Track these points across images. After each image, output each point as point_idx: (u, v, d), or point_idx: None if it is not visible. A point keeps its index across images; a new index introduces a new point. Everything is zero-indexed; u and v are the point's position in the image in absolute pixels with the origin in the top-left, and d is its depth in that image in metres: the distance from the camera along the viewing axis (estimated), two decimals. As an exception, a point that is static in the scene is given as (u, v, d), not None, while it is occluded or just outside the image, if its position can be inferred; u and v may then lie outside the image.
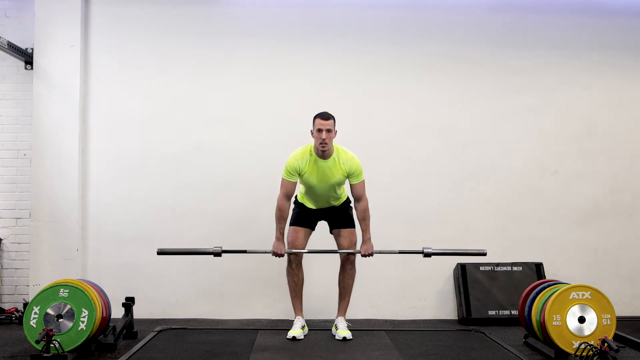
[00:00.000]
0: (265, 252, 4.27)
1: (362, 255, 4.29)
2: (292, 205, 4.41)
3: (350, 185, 4.29)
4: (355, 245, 4.34)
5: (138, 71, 5.18)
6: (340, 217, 4.36)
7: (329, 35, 5.25)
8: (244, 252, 4.38)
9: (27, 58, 5.07)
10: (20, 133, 5.18)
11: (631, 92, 5.41)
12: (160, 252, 4.36)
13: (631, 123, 5.40)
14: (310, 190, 4.30)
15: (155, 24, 5.20)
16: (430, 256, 4.30)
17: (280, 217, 4.25)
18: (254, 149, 5.06)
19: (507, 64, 5.33)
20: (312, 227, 4.39)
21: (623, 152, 5.37)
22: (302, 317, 4.36)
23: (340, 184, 4.30)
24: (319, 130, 4.07)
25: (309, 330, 4.41)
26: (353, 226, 4.37)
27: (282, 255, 4.25)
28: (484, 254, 4.36)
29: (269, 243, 5.01)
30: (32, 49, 5.05)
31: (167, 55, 5.20)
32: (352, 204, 4.41)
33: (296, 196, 4.42)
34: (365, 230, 4.29)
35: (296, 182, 4.25)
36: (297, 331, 4.22)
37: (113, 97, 5.17)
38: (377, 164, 4.96)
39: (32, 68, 5.06)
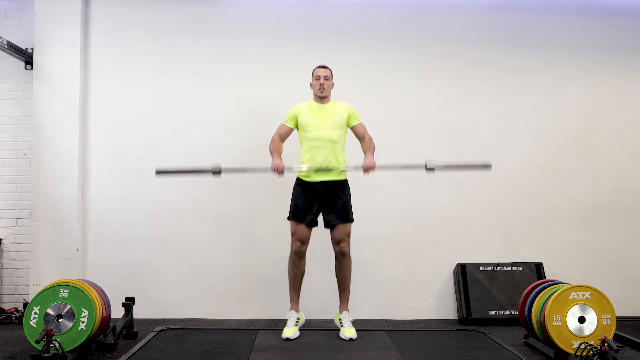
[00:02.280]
0: (265, 171, 4.27)
1: (364, 170, 4.25)
2: (292, 195, 4.40)
3: (353, 128, 4.40)
4: (349, 235, 4.32)
5: (138, 71, 5.18)
6: (338, 209, 4.31)
7: (329, 35, 5.25)
8: (244, 170, 4.36)
9: (27, 58, 5.08)
10: (20, 133, 5.18)
11: (631, 92, 5.41)
12: (159, 172, 4.35)
13: (631, 123, 5.40)
14: (311, 139, 4.29)
15: (155, 24, 5.20)
16: (433, 170, 4.23)
17: (273, 148, 4.35)
18: (254, 148, 5.05)
19: (507, 64, 5.33)
20: (312, 223, 4.36)
21: (623, 152, 5.38)
22: (297, 311, 4.37)
23: (340, 124, 4.33)
24: (318, 78, 4.37)
25: (309, 330, 4.42)
26: (350, 220, 4.35)
27: (283, 172, 4.22)
28: (489, 167, 4.42)
29: (269, 243, 5.05)
30: (32, 49, 5.05)
31: (167, 55, 5.20)
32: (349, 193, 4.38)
33: (297, 179, 4.38)
34: (368, 150, 4.34)
35: (290, 130, 4.38)
36: (290, 330, 4.24)
37: (113, 97, 5.17)
38: (376, 164, 4.95)
39: (32, 68, 5.07)
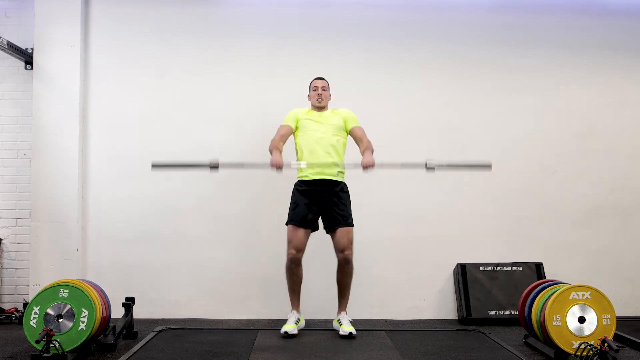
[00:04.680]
0: (264, 167, 4.27)
1: (363, 167, 4.22)
2: (290, 200, 4.39)
3: (351, 131, 4.39)
4: (352, 243, 4.30)
5: (138, 71, 5.18)
6: (338, 212, 4.31)
7: (329, 35, 5.25)
8: (241, 166, 4.35)
9: (27, 58, 5.08)
10: (20, 133, 5.18)
11: (631, 92, 5.41)
12: (155, 166, 4.31)
13: (631, 123, 5.40)
14: (309, 143, 4.29)
15: (155, 24, 5.20)
16: (433, 169, 4.18)
17: (273, 147, 4.30)
18: (254, 148, 5.05)
19: (507, 64, 5.33)
20: (311, 227, 4.35)
21: (623, 152, 5.38)
22: (298, 312, 4.38)
23: (339, 128, 4.34)
24: (315, 89, 4.44)
25: (309, 330, 4.42)
26: (351, 224, 4.34)
27: (282, 167, 4.18)
28: (490, 167, 4.40)
29: (269, 243, 5.05)
30: (32, 49, 5.05)
31: (167, 55, 5.20)
32: (349, 194, 4.37)
33: (297, 182, 4.38)
34: (367, 149, 4.30)
35: (291, 129, 4.38)
36: (290, 326, 4.24)
37: (113, 97, 5.17)
38: (376, 164, 4.95)
39: (32, 68, 5.07)
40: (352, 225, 4.34)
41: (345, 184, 4.40)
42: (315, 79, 4.51)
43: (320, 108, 4.44)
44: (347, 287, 4.38)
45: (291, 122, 4.41)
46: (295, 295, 4.40)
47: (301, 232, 4.29)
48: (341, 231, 4.29)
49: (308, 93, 4.54)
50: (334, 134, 4.34)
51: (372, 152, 4.33)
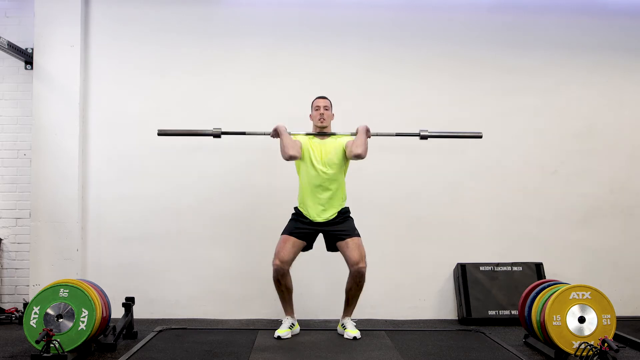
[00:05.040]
0: (264, 134, 4.32)
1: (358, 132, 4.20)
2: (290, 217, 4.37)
3: (346, 145, 4.24)
4: (364, 256, 4.18)
5: (138, 71, 5.18)
6: (341, 228, 4.24)
7: (329, 35, 5.25)
8: (243, 133, 4.41)
9: (27, 58, 5.08)
10: (20, 133, 5.18)
11: (631, 92, 5.41)
12: (161, 133, 4.45)
13: (631, 123, 5.40)
14: (311, 176, 4.20)
15: (155, 24, 5.20)
16: (426, 138, 4.41)
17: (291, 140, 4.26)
18: (254, 148, 5.06)
19: (507, 64, 5.33)
20: (307, 241, 4.27)
21: (623, 152, 5.38)
22: (292, 317, 4.34)
23: (340, 159, 4.22)
24: (317, 108, 4.30)
25: (309, 330, 4.43)
26: (358, 235, 4.26)
27: (280, 134, 4.21)
28: (480, 137, 4.53)
29: (269, 242, 5.03)
30: (32, 49, 5.05)
31: (167, 55, 5.20)
32: (351, 215, 4.31)
33: (296, 208, 4.34)
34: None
35: (301, 153, 4.21)
36: (283, 330, 4.23)
37: (113, 97, 5.17)
38: (376, 163, 4.96)
39: (32, 68, 5.07)
40: (359, 236, 4.26)
41: (346, 208, 4.32)
42: (317, 98, 4.37)
43: (322, 128, 4.29)
44: (355, 298, 4.31)
45: (302, 150, 4.24)
46: (288, 304, 4.33)
47: (291, 243, 4.19)
48: (351, 243, 4.18)
49: (310, 112, 4.38)
50: (337, 166, 4.21)
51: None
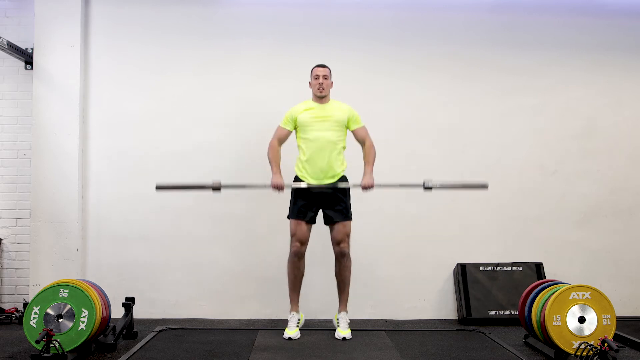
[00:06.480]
0: (265, 187, 4.32)
1: (362, 188, 4.28)
2: (290, 196, 4.39)
3: (353, 132, 4.38)
4: (348, 236, 4.32)
5: (138, 71, 5.18)
6: (337, 207, 4.31)
7: (329, 35, 5.25)
8: (243, 187, 4.41)
9: (27, 58, 5.08)
10: (20, 133, 5.18)
11: (631, 92, 5.41)
12: (159, 187, 4.40)
13: (631, 123, 5.39)
14: (310, 140, 4.27)
15: (155, 24, 5.20)
16: (430, 189, 4.32)
17: (273, 157, 4.34)
18: (254, 148, 5.05)
19: (507, 64, 5.32)
20: (312, 222, 4.37)
21: (623, 152, 5.37)
22: (298, 312, 4.38)
23: (340, 125, 4.30)
24: (317, 77, 4.33)
25: (309, 330, 4.42)
26: (349, 218, 4.35)
27: (283, 189, 4.26)
28: (486, 187, 4.47)
29: (269, 242, 5.06)
30: (32, 49, 5.05)
31: (167, 55, 5.20)
32: (349, 193, 4.37)
33: (296, 176, 4.38)
34: (368, 164, 4.34)
35: (289, 132, 4.36)
36: (293, 331, 4.25)
37: (113, 97, 5.17)
38: (376, 163, 4.93)
39: (32, 68, 5.07)
40: (350, 219, 4.35)
41: (344, 177, 4.38)
42: (316, 66, 4.42)
43: (321, 97, 4.37)
44: (345, 282, 4.38)
45: (289, 125, 4.37)
46: (296, 293, 4.40)
47: (303, 225, 4.31)
48: (338, 225, 4.31)
49: (309, 80, 4.45)
50: (335, 131, 4.31)
51: (373, 164, 4.35)
